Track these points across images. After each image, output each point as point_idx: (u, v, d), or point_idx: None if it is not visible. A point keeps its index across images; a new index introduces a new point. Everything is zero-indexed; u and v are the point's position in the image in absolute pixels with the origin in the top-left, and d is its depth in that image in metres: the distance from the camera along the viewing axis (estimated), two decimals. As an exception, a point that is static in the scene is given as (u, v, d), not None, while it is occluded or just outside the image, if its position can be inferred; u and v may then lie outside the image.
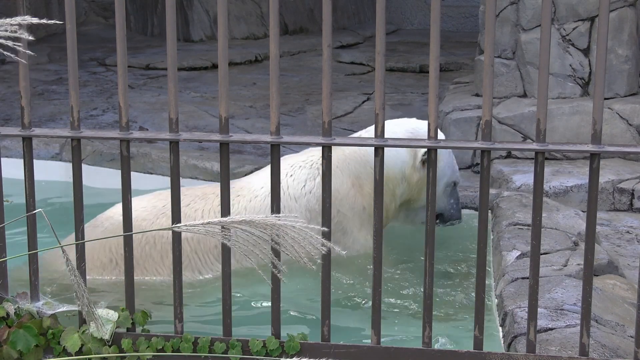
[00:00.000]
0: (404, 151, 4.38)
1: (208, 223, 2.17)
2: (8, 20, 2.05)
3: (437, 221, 4.66)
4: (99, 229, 4.37)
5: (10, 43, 2.05)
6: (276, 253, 2.59)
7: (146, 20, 12.34)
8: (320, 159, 3.43)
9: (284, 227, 2.17)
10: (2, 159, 3.61)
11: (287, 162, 4.47)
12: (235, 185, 4.43)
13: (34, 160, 3.59)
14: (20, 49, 2.06)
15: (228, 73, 3.41)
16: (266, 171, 4.32)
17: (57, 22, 2.46)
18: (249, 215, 2.19)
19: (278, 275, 3.09)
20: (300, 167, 4.45)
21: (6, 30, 2.02)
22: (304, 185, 4.37)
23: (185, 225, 2.21)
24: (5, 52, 2.06)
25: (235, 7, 11.67)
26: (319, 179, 4.29)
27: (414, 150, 4.34)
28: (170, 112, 3.46)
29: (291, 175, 4.42)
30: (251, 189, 4.45)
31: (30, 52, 2.38)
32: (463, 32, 12.64)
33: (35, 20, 2.09)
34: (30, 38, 2.13)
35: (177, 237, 3.53)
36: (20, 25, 2.05)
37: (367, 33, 12.32)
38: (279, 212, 3.46)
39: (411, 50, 11.33)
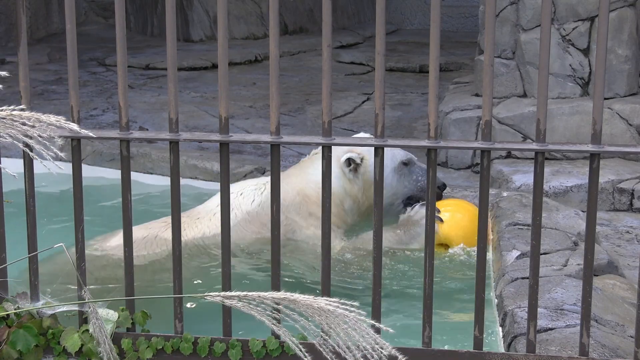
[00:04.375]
0: (336, 168, 4.73)
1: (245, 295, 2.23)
2: (37, 115, 1.93)
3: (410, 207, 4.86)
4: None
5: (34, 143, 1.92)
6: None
7: (146, 20, 12.34)
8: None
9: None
10: (2, 158, 3.61)
11: (237, 186, 4.87)
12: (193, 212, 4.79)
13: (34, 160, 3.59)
14: (51, 154, 1.94)
15: (228, 73, 3.41)
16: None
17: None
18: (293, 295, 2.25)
19: None
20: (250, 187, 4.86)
21: (33, 126, 1.91)
22: (253, 201, 4.75)
23: (220, 295, 2.27)
24: (31, 153, 1.96)
25: (235, 7, 11.67)
26: (265, 197, 4.71)
27: (341, 166, 4.75)
28: (170, 112, 3.46)
29: (241, 194, 4.80)
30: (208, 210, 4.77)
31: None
32: (463, 32, 12.65)
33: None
34: (60, 142, 1.97)
35: (177, 236, 3.53)
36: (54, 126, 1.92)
37: (367, 33, 12.32)
38: (279, 212, 3.46)
39: (411, 50, 11.33)
